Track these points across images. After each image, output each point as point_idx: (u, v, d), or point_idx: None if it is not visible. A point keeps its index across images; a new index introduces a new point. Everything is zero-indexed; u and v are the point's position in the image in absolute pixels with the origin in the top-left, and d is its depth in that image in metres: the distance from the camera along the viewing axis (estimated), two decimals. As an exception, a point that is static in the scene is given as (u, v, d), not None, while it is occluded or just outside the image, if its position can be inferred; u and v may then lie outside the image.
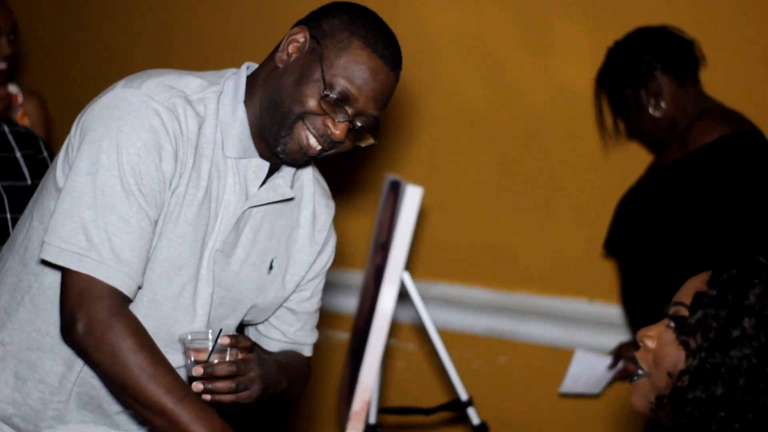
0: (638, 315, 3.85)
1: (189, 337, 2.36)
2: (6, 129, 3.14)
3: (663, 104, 3.79)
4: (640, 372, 2.13)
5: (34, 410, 2.45)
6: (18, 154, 3.08)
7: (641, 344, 2.14)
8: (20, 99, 3.85)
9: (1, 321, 2.47)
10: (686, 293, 2.10)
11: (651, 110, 3.80)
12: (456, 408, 3.96)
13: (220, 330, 2.37)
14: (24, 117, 3.86)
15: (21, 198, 2.95)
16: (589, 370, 4.03)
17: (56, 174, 2.40)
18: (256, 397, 2.37)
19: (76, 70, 5.03)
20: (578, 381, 4.04)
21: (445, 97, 4.51)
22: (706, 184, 3.63)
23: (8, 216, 2.93)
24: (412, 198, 3.60)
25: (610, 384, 4.10)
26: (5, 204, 2.99)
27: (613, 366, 4.03)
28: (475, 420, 3.89)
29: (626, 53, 3.84)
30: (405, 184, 3.64)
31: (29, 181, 3.00)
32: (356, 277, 4.43)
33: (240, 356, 2.34)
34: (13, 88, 3.86)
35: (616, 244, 3.95)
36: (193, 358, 2.33)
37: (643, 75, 3.80)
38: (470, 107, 4.48)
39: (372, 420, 3.78)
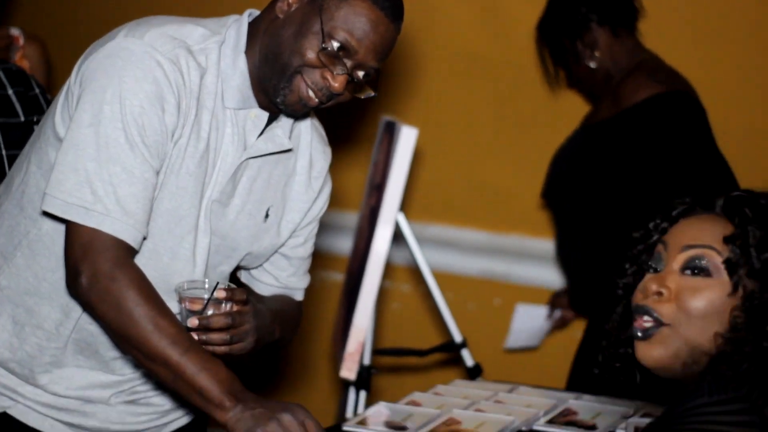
0: (573, 268, 3.95)
1: (185, 286, 2.35)
2: None
3: (598, 55, 3.85)
4: (653, 325, 2.08)
5: (30, 355, 2.44)
6: (10, 91, 3.05)
7: (654, 295, 2.08)
8: (21, 41, 3.81)
9: (-3, 264, 2.47)
10: (703, 237, 2.07)
11: (587, 61, 3.86)
12: (450, 350, 3.97)
13: (217, 282, 2.36)
14: (23, 60, 3.83)
15: (15, 134, 2.95)
16: (530, 323, 4.13)
17: (55, 120, 2.38)
18: (249, 349, 2.37)
19: (75, 12, 4.98)
20: (521, 335, 4.13)
21: (442, 37, 4.48)
22: (636, 144, 3.69)
23: (4, 153, 2.93)
24: (407, 139, 3.59)
25: (549, 334, 4.16)
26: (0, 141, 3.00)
27: (550, 316, 4.14)
28: (469, 362, 3.90)
29: (564, 4, 3.89)
30: (400, 125, 3.63)
31: (22, 118, 3.00)
32: (351, 219, 4.42)
33: (235, 308, 2.34)
34: (14, 31, 3.82)
35: (551, 196, 4.03)
36: (187, 307, 2.32)
37: (579, 26, 3.84)
38: (467, 48, 4.46)
39: (366, 361, 3.79)
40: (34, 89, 3.07)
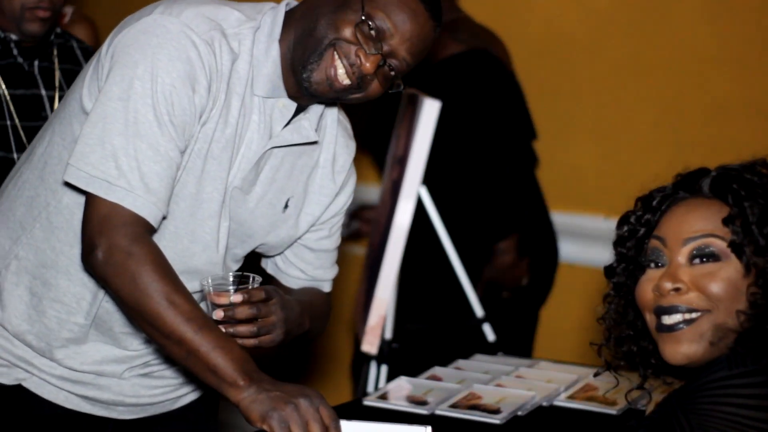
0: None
1: (210, 281, 2.34)
2: (75, 44, 3.27)
3: None
4: (684, 318, 2.05)
5: (48, 328, 2.44)
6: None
7: (672, 292, 2.06)
8: (66, 20, 3.74)
9: (15, 234, 2.46)
10: (702, 225, 2.05)
11: None
12: (471, 325, 3.96)
13: (241, 274, 2.35)
14: None
15: None
16: None
17: (82, 92, 2.37)
18: (279, 341, 2.35)
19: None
20: None
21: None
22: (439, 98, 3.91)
23: None
24: (429, 112, 3.58)
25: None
26: None
27: (347, 225, 4.31)
28: (490, 337, 3.90)
29: None
30: (422, 98, 3.62)
31: None
32: (373, 193, 4.42)
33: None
34: (67, 8, 3.76)
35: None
36: (214, 301, 2.31)
37: None
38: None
39: (387, 335, 3.79)
40: None
